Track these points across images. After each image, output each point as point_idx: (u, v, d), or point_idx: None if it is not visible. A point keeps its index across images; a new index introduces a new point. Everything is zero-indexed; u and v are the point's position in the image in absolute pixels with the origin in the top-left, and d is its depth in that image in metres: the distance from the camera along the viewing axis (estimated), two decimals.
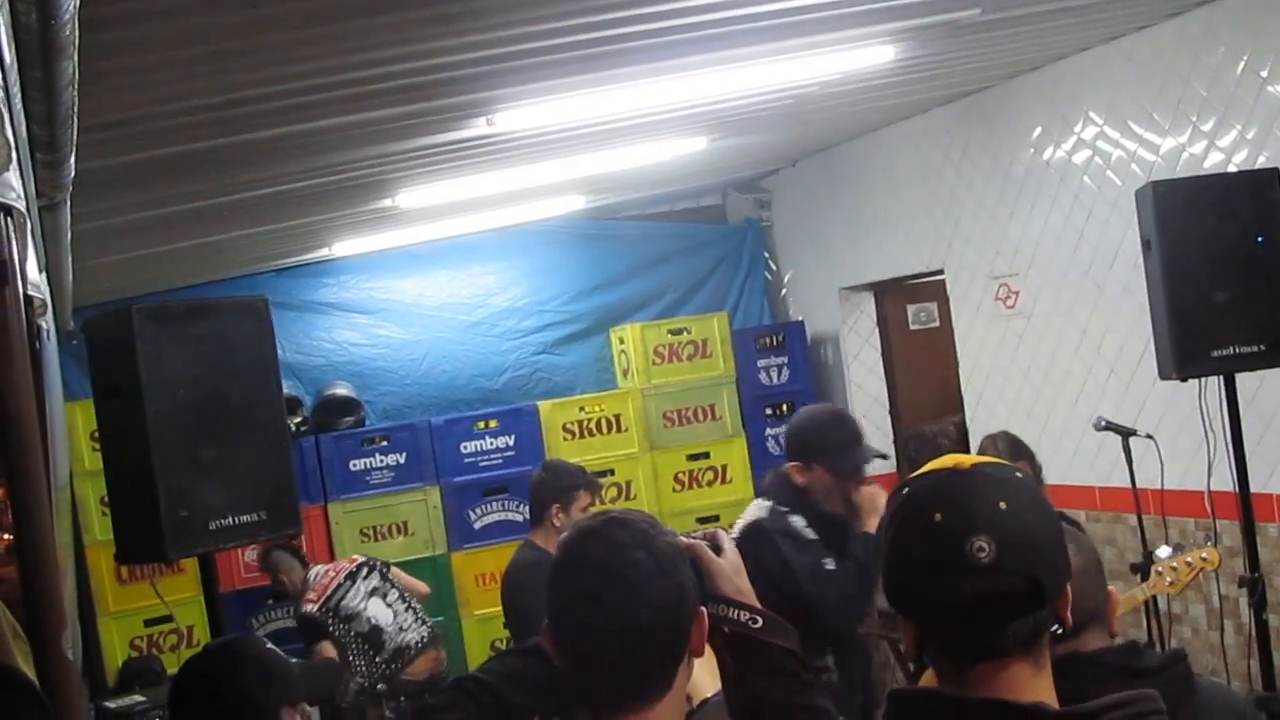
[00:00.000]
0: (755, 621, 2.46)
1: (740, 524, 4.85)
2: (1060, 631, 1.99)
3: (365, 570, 8.16)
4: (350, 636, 7.93)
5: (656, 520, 2.41)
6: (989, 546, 1.85)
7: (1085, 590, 2.59)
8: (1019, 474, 2.01)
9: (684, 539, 2.44)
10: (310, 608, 8.03)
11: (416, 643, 8.03)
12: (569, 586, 2.31)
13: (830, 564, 4.72)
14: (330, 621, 7.96)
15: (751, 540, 4.64)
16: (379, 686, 7.87)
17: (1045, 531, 1.94)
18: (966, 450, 7.19)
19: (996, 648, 1.91)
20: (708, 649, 2.39)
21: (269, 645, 3.71)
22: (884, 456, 5.68)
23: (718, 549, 2.50)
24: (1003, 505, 1.90)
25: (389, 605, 8.09)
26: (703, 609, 2.36)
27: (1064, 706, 1.89)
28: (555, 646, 2.35)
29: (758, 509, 4.84)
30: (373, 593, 8.08)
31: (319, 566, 8.35)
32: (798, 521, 4.75)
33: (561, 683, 2.46)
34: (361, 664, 7.92)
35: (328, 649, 7.85)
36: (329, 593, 8.03)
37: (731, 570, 2.49)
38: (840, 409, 6.25)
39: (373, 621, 7.98)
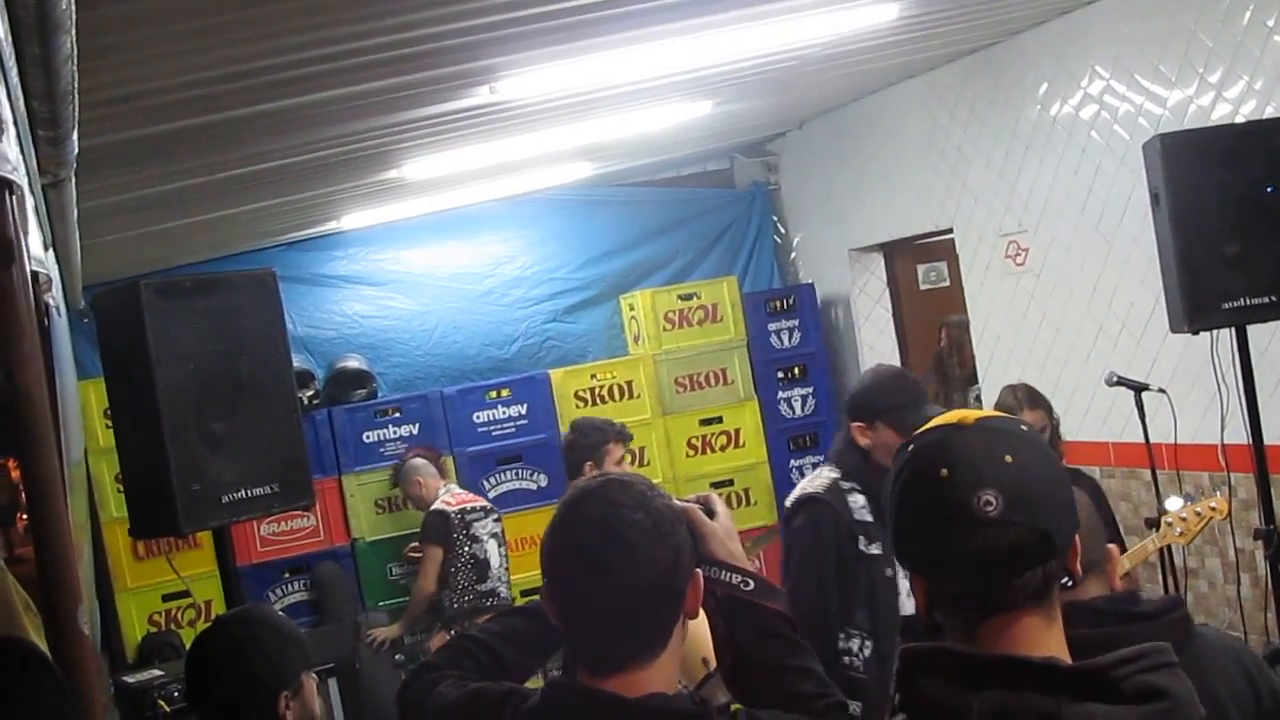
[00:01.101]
0: (747, 584, 2.49)
1: (798, 491, 4.76)
2: (1069, 583, 1.99)
3: (495, 515, 8.45)
4: (465, 554, 8.17)
5: (653, 483, 2.42)
6: (996, 500, 1.85)
7: (1094, 534, 2.59)
8: (1024, 427, 2.01)
9: (678, 502, 2.45)
10: (446, 508, 8.29)
11: (502, 599, 8.21)
12: (567, 546, 2.33)
13: (875, 549, 4.54)
14: (456, 530, 8.22)
15: (801, 511, 4.60)
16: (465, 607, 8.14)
17: (1052, 484, 1.94)
18: None
19: (1007, 601, 1.90)
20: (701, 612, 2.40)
21: (280, 614, 3.75)
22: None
23: (710, 512, 2.52)
24: (1008, 459, 1.89)
25: (501, 555, 8.32)
26: (698, 571, 2.38)
27: (1076, 660, 1.89)
28: (553, 606, 2.36)
29: (820, 479, 4.68)
30: (494, 535, 8.31)
31: (454, 484, 8.72)
32: (856, 501, 4.65)
33: (559, 642, 2.47)
34: (461, 582, 8.16)
35: (435, 554, 8.20)
36: (466, 506, 8.32)
37: (724, 533, 2.51)
38: (902, 369, 6.23)
39: (486, 555, 8.22)
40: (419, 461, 8.66)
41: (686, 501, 2.52)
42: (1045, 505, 1.90)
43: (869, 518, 4.54)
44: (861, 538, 4.52)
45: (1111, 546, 2.67)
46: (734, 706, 2.39)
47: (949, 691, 1.86)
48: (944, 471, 1.90)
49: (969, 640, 1.93)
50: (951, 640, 1.96)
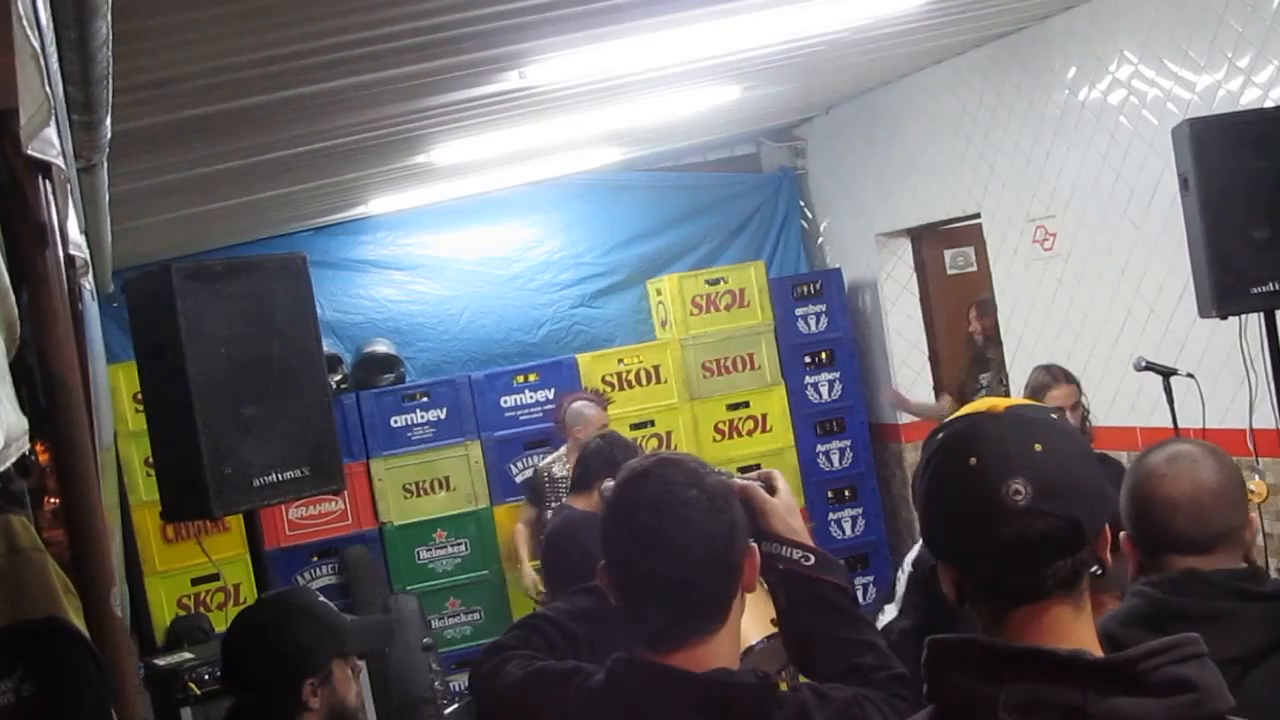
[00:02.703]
0: (808, 559, 2.51)
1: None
2: (1100, 572, 1.98)
3: None
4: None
5: (704, 460, 2.45)
6: (1025, 489, 1.84)
7: (1217, 510, 2.59)
8: (1054, 415, 2.00)
9: (739, 480, 2.49)
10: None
11: None
12: (624, 525, 2.36)
13: None
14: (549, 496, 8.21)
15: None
16: None
17: (1082, 472, 1.92)
18: None
19: (1036, 590, 1.89)
20: (762, 588, 2.42)
21: (321, 598, 3.72)
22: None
23: (771, 489, 2.54)
24: (1038, 447, 1.88)
25: None
26: (754, 544, 2.41)
27: (1102, 656, 1.88)
28: (612, 585, 2.40)
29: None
30: None
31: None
32: None
33: (621, 618, 2.50)
34: None
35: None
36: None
37: (784, 509, 2.53)
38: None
39: None
40: (589, 405, 8.62)
41: (747, 478, 2.54)
42: (1075, 494, 1.88)
43: None
44: None
45: (1252, 516, 2.66)
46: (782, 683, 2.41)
47: (976, 683, 1.86)
48: (973, 460, 1.88)
49: (998, 630, 1.92)
50: (980, 629, 1.95)
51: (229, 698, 3.65)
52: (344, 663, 3.51)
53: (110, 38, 2.99)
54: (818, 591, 2.52)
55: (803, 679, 2.45)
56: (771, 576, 2.47)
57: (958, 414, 2.01)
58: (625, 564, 2.36)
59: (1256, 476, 5.61)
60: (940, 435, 1.98)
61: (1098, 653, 1.88)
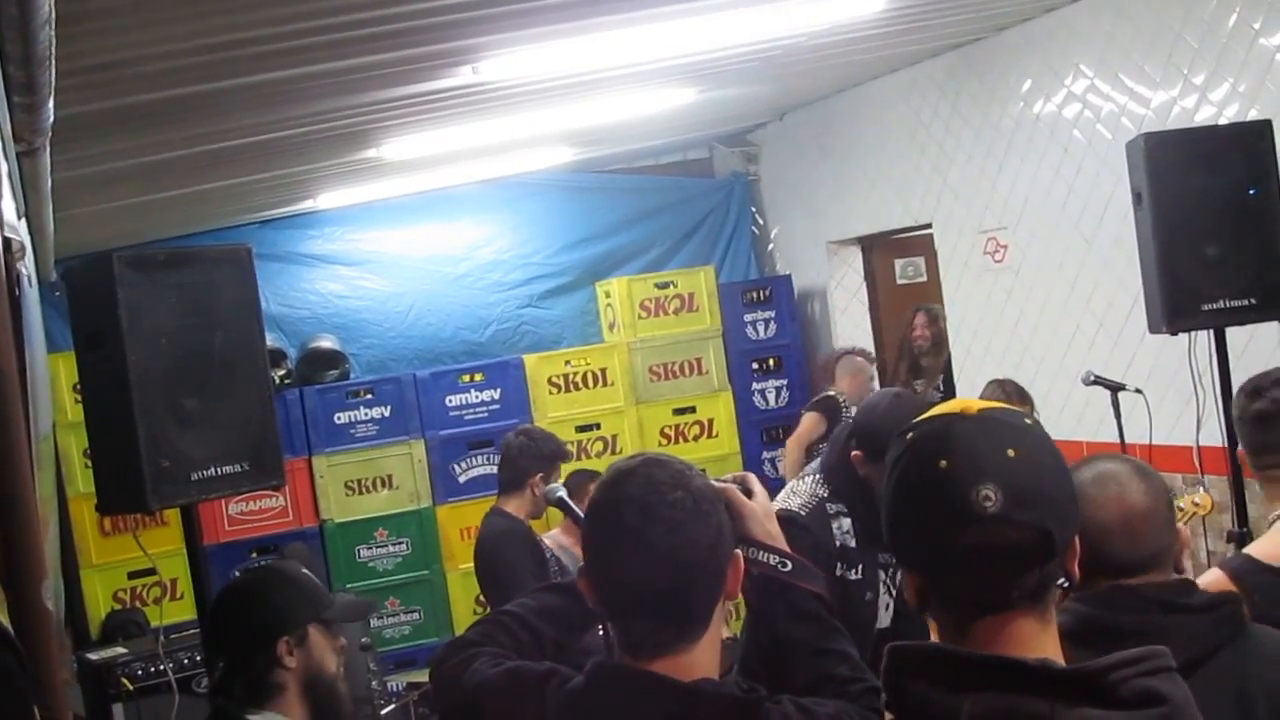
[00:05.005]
0: (785, 565, 2.49)
1: (780, 504, 4.36)
2: (1066, 584, 1.93)
3: None
4: None
5: (689, 463, 2.41)
6: (996, 495, 1.79)
7: (1148, 532, 2.55)
8: (1028, 420, 1.94)
9: (715, 482, 2.44)
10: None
11: None
12: (609, 526, 2.29)
13: (855, 574, 4.33)
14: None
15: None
16: None
17: (1055, 481, 1.87)
18: None
19: (1002, 601, 1.84)
20: None
21: (305, 570, 3.78)
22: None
23: (748, 492, 2.53)
24: (1011, 453, 1.83)
25: None
26: (738, 551, 2.36)
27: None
28: (592, 587, 2.34)
29: (805, 494, 4.45)
30: None
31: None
32: (841, 525, 4.36)
33: (594, 619, 2.44)
34: None
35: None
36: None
37: (762, 513, 2.51)
38: (919, 401, 6.12)
39: None
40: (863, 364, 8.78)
41: (724, 481, 2.51)
42: (1047, 503, 1.83)
43: (852, 542, 4.34)
44: (841, 563, 4.33)
45: (1181, 528, 2.63)
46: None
47: (938, 692, 1.81)
48: (943, 463, 1.83)
49: (961, 639, 1.87)
50: (943, 639, 1.91)
51: (214, 667, 3.76)
52: (323, 631, 3.57)
53: (54, 17, 2.93)
54: (794, 599, 2.50)
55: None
56: (745, 582, 2.41)
57: (928, 414, 1.96)
58: (609, 566, 2.30)
59: (1201, 489, 5.61)
60: (910, 435, 1.92)
61: (1063, 664, 1.84)
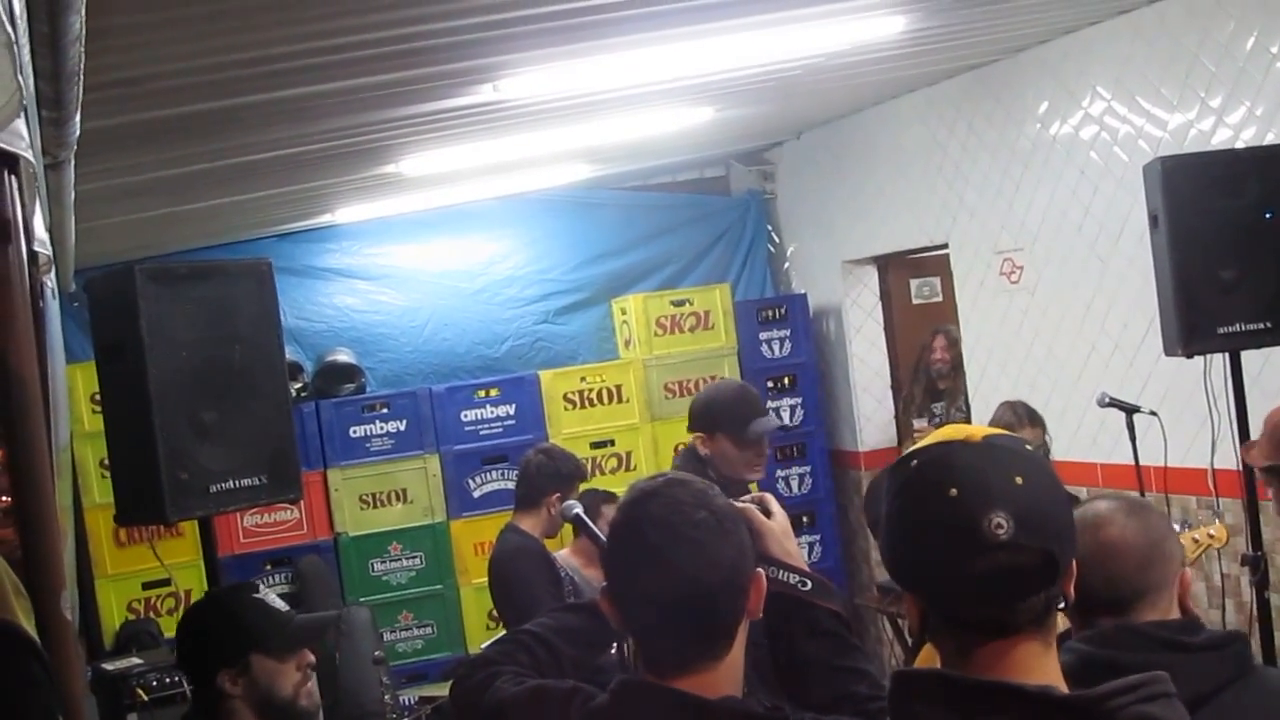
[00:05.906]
0: (804, 584, 2.52)
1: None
2: (1063, 606, 1.95)
3: None
4: None
5: (710, 482, 2.43)
6: (1006, 522, 1.81)
7: (1123, 572, 2.55)
8: (1028, 447, 1.98)
9: (735, 503, 2.46)
10: None
11: None
12: (633, 546, 2.32)
13: None
14: None
15: None
16: None
17: (1057, 505, 1.91)
18: None
19: (1008, 625, 1.87)
20: None
21: (256, 596, 3.87)
22: (785, 429, 5.79)
23: (767, 512, 2.56)
24: (1018, 480, 1.85)
25: None
26: (759, 570, 2.38)
27: (1073, 690, 1.86)
28: (615, 607, 2.35)
29: None
30: None
31: None
32: None
33: (613, 638, 2.46)
34: None
35: None
36: None
37: (780, 532, 2.55)
38: (743, 383, 6.30)
39: None
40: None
41: (742, 501, 2.54)
42: (1052, 528, 1.86)
43: None
44: None
45: (1185, 571, 2.63)
46: None
47: (944, 717, 1.83)
48: (953, 491, 1.85)
49: (963, 663, 1.89)
50: (944, 662, 1.92)
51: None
52: (266, 656, 3.63)
53: (83, 34, 2.96)
54: (813, 617, 2.52)
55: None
56: (766, 600, 2.43)
57: (931, 440, 1.97)
58: (633, 586, 2.31)
59: (1217, 521, 5.61)
60: (914, 463, 1.93)
61: (1064, 690, 1.86)
